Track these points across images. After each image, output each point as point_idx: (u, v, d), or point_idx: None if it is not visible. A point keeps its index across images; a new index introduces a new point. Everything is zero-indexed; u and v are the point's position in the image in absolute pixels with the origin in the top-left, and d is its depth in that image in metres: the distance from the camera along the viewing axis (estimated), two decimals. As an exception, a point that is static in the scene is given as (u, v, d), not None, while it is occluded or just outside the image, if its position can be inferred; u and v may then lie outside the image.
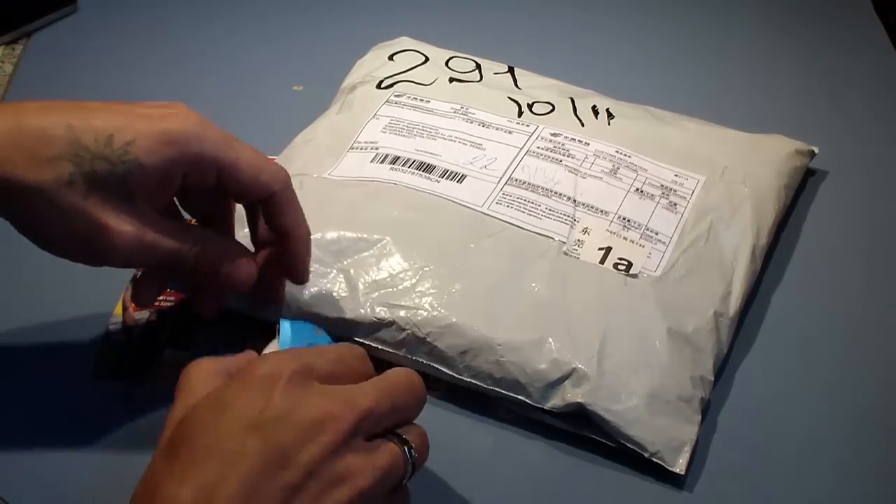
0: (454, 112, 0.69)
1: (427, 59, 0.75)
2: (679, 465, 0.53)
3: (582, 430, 0.55)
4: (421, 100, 0.71)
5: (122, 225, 0.51)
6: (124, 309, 0.63)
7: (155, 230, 0.52)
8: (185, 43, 0.87)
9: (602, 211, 0.63)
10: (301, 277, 0.57)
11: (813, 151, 0.72)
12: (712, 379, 0.57)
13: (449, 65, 0.75)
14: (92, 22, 0.91)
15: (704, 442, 0.55)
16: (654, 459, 0.53)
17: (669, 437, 0.53)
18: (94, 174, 0.50)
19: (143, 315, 0.62)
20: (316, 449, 0.42)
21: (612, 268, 0.60)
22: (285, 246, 0.56)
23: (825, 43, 0.89)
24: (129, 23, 0.91)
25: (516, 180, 0.64)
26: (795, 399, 0.59)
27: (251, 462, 0.41)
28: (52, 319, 0.62)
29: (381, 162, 0.66)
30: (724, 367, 0.59)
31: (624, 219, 0.62)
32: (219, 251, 0.54)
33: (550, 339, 0.56)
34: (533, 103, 0.70)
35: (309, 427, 0.42)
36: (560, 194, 0.63)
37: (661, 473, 0.54)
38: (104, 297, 0.63)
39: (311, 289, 0.58)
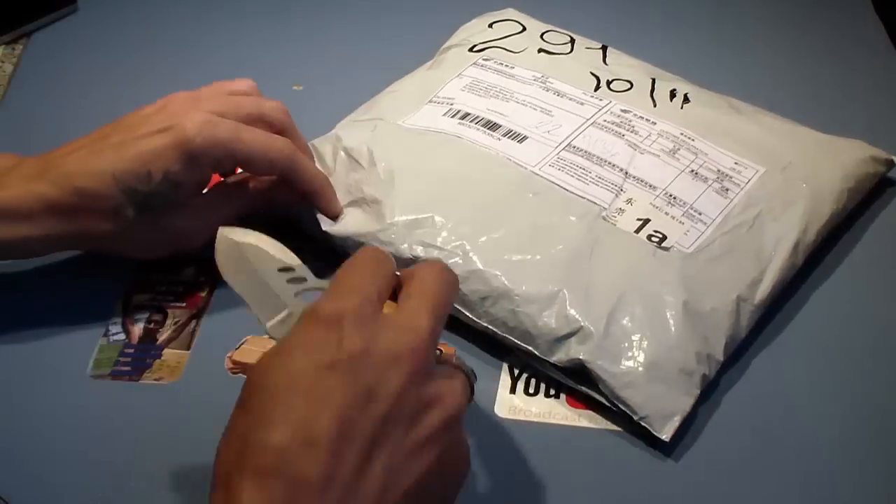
0: (534, 79, 0.72)
1: (524, 30, 0.77)
2: (665, 433, 0.54)
3: (581, 385, 0.56)
4: (506, 65, 0.73)
5: (188, 221, 0.61)
6: (124, 309, 0.64)
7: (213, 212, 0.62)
8: (185, 43, 0.87)
9: (650, 185, 0.63)
10: (334, 214, 0.64)
11: (892, 161, 0.69)
12: (721, 360, 0.57)
13: (543, 37, 0.77)
14: (92, 22, 0.91)
15: (711, 438, 0.55)
16: (643, 423, 0.54)
17: (662, 404, 0.54)
18: (150, 205, 0.59)
19: (142, 315, 0.63)
20: (399, 380, 0.42)
21: (645, 238, 0.60)
22: (313, 199, 0.63)
23: (824, 43, 0.86)
24: (129, 23, 0.91)
25: (574, 147, 0.66)
26: (805, 398, 0.58)
27: (339, 399, 0.41)
28: (53, 319, 0.63)
29: (452, 116, 0.69)
30: (745, 360, 0.59)
31: (670, 195, 0.63)
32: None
33: (566, 297, 0.57)
34: (613, 80, 0.72)
35: (389, 361, 0.43)
36: (613, 165, 0.65)
37: (661, 477, 0.54)
38: (104, 297, 0.64)
39: (356, 219, 0.62)
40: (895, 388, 0.58)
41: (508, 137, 0.67)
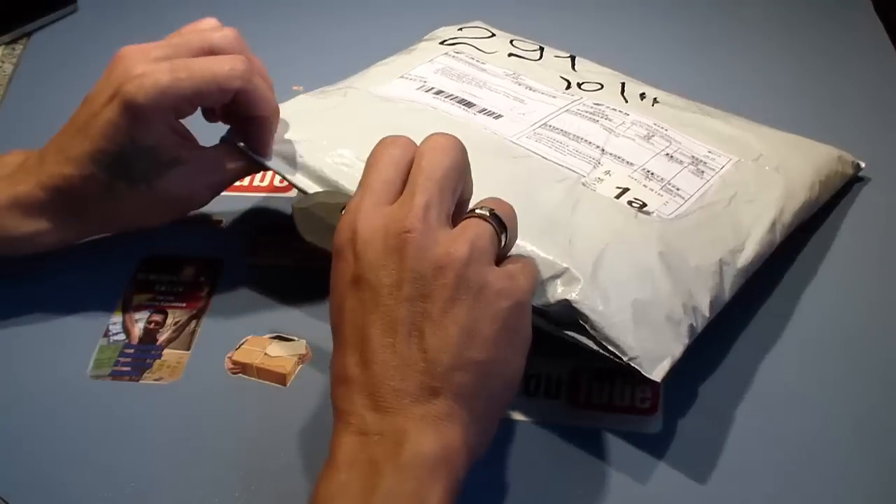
0: (506, 75, 0.72)
1: (493, 35, 0.78)
2: (656, 374, 0.52)
3: (564, 331, 0.55)
4: (477, 60, 0.74)
5: (186, 185, 0.61)
6: (124, 309, 0.64)
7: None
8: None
9: (627, 162, 0.64)
10: (264, 152, 0.62)
11: (858, 164, 0.71)
12: (707, 315, 0.56)
13: (513, 44, 0.78)
14: (92, 22, 0.91)
15: (710, 439, 0.55)
16: (632, 365, 0.52)
17: (652, 347, 0.53)
18: (135, 173, 0.59)
19: (143, 315, 0.63)
20: (406, 262, 0.47)
21: (625, 203, 0.60)
22: (261, 126, 0.61)
23: (824, 43, 0.88)
24: (129, 23, 0.91)
25: (550, 126, 0.66)
26: (802, 397, 0.58)
27: (370, 305, 0.47)
28: (53, 319, 0.63)
29: (426, 91, 0.69)
30: (741, 360, 0.59)
31: (648, 171, 0.63)
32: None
33: (549, 243, 0.56)
34: (583, 83, 0.73)
35: (392, 250, 0.47)
36: (590, 142, 0.65)
37: (661, 477, 0.54)
38: (104, 297, 0.64)
39: (339, 167, 0.62)
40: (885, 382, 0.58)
41: (483, 114, 0.67)
